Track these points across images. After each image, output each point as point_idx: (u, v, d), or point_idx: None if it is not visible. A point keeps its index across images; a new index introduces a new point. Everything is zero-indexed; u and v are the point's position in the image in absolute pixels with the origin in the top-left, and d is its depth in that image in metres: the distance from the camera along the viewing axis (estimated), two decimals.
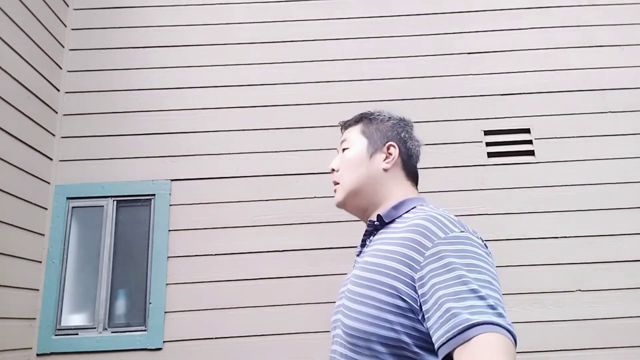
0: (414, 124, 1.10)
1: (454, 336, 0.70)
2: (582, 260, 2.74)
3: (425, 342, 0.79)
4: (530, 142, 2.97)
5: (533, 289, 2.70)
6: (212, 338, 2.64)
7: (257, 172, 2.92)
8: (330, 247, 2.77)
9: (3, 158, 2.48)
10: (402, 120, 1.08)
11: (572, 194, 2.87)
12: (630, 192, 2.86)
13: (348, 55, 3.15)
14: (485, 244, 0.86)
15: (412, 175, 1.05)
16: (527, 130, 2.99)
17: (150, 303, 2.68)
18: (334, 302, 2.77)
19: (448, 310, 0.72)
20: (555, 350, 2.61)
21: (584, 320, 2.64)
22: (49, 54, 2.93)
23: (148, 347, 2.61)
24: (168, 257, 2.76)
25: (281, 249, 2.78)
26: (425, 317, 0.77)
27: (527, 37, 3.17)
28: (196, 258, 2.77)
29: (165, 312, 2.67)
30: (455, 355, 0.70)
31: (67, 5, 3.19)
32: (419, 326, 0.79)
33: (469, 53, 3.15)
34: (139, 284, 2.75)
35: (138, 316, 2.70)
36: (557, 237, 2.79)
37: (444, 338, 0.71)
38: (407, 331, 0.79)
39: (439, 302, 0.74)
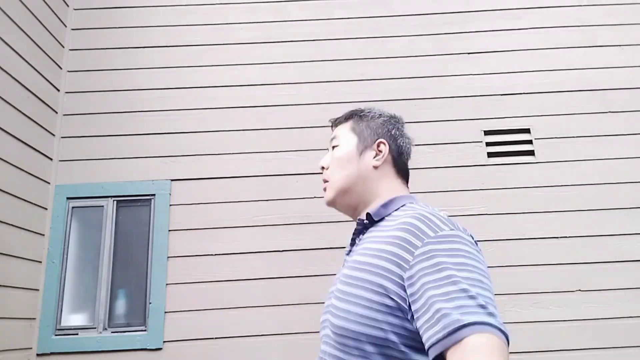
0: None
1: (445, 337, 0.69)
2: (582, 260, 2.74)
3: (414, 341, 0.78)
4: (530, 142, 2.97)
5: (533, 289, 2.70)
6: (212, 338, 2.64)
7: (257, 172, 2.92)
8: (330, 247, 2.77)
9: (3, 158, 2.48)
10: (392, 117, 1.08)
11: (572, 194, 2.87)
12: (630, 192, 2.86)
13: (348, 55, 3.15)
14: (475, 242, 0.85)
15: (403, 173, 1.04)
16: (527, 130, 2.99)
17: (150, 303, 2.68)
18: None
19: (438, 310, 0.71)
20: (555, 350, 2.61)
21: (584, 320, 2.64)
22: (49, 54, 2.93)
23: (148, 347, 2.61)
24: (168, 257, 2.76)
25: (281, 249, 2.78)
26: (415, 317, 0.76)
27: (527, 37, 3.17)
28: (196, 258, 2.77)
29: (165, 312, 2.67)
30: (448, 356, 0.69)
31: (67, 5, 3.19)
32: (407, 325, 0.79)
33: (469, 53, 3.15)
34: (139, 284, 2.75)
35: (138, 316, 2.70)
36: (557, 237, 2.79)
37: (434, 339, 0.71)
38: (395, 330, 0.79)
39: (429, 303, 0.73)
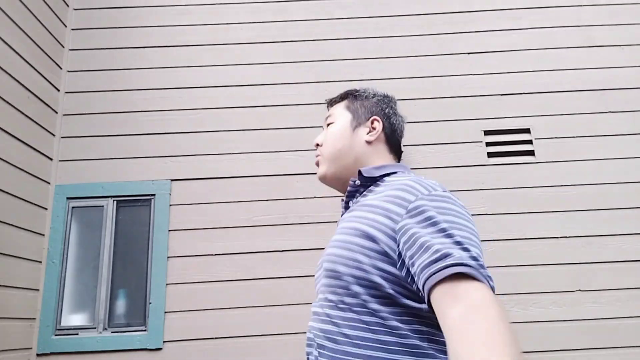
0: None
1: (439, 270, 0.71)
2: (582, 260, 2.74)
3: (401, 286, 0.81)
4: (530, 142, 2.97)
5: (533, 289, 2.70)
6: (212, 338, 2.64)
7: (257, 172, 2.92)
8: None
9: (3, 158, 2.48)
10: (386, 96, 1.12)
11: (572, 194, 2.87)
12: (630, 192, 2.86)
13: (348, 55, 3.15)
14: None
15: (395, 150, 1.09)
16: (527, 130, 2.99)
17: (150, 303, 2.68)
18: None
19: (435, 252, 0.73)
20: (555, 350, 2.61)
21: (584, 320, 2.64)
22: (49, 54, 2.93)
23: (148, 347, 2.61)
24: (168, 257, 2.76)
25: (281, 249, 2.78)
26: (409, 263, 0.78)
27: (527, 37, 3.17)
28: (196, 258, 2.77)
29: (165, 312, 2.67)
30: (440, 292, 0.70)
31: (67, 5, 3.19)
32: (394, 271, 0.82)
33: (469, 53, 3.15)
34: (139, 284, 2.75)
35: (138, 316, 2.70)
36: (557, 237, 2.79)
37: (427, 273, 0.72)
38: (380, 274, 0.82)
39: (423, 248, 0.75)
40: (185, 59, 3.13)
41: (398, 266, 0.81)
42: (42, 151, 2.81)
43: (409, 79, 3.08)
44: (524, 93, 3.06)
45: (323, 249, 2.76)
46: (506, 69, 3.11)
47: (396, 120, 1.09)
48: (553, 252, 2.76)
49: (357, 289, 0.84)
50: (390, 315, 0.81)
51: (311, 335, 0.91)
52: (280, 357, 2.62)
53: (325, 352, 0.85)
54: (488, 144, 2.97)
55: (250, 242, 2.79)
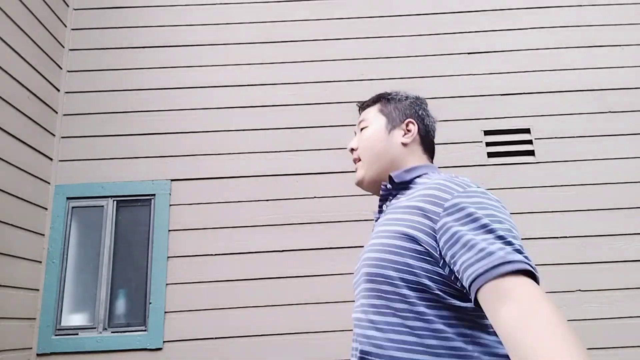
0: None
1: (487, 270, 0.71)
2: (582, 260, 2.74)
3: (447, 286, 0.81)
4: (530, 142, 2.97)
5: None
6: (212, 338, 2.64)
7: (257, 172, 2.92)
8: (330, 247, 2.77)
9: (3, 158, 2.48)
10: (418, 98, 1.13)
11: (572, 194, 2.87)
12: (630, 192, 2.86)
13: (348, 55, 3.15)
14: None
15: (429, 150, 1.09)
16: (527, 130, 2.99)
17: (150, 303, 2.68)
18: (334, 302, 2.76)
19: (481, 250, 0.73)
20: None
21: (584, 320, 2.64)
22: (49, 54, 2.93)
23: (148, 347, 2.61)
24: (168, 257, 2.76)
25: (281, 249, 2.78)
26: (451, 262, 0.78)
27: (527, 37, 3.17)
28: (196, 258, 2.77)
29: (165, 312, 2.67)
30: (488, 291, 0.71)
31: (67, 5, 3.19)
32: (439, 270, 0.82)
33: (469, 53, 3.15)
34: (139, 284, 2.75)
35: (138, 316, 2.70)
36: (557, 237, 2.79)
37: (475, 274, 0.73)
38: (428, 275, 0.82)
39: (468, 246, 0.75)
40: (185, 59, 3.13)
41: (441, 265, 0.81)
42: (42, 151, 2.81)
43: (409, 79, 3.08)
44: (524, 93, 3.06)
45: (323, 249, 2.77)
46: (506, 69, 3.11)
47: (429, 122, 1.10)
48: (553, 252, 2.76)
49: (405, 291, 0.83)
50: (435, 318, 0.81)
51: (356, 345, 0.89)
52: (280, 357, 2.62)
53: (370, 357, 0.84)
54: (488, 144, 2.97)
55: (250, 242, 2.79)
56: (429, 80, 3.08)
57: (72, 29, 3.17)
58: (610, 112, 3.02)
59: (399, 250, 0.85)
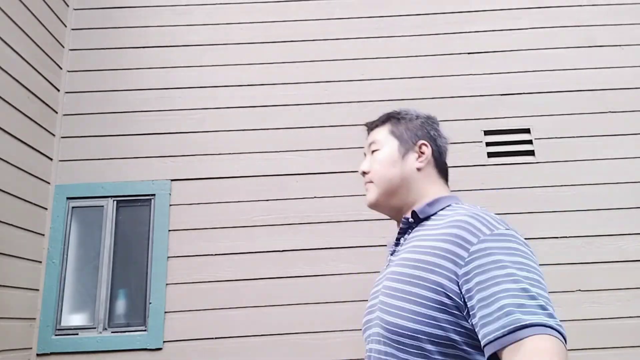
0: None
1: (504, 335, 0.69)
2: (582, 260, 2.74)
3: (472, 339, 0.78)
4: (530, 142, 2.97)
5: None
6: (212, 338, 2.64)
7: (257, 172, 2.92)
8: (330, 247, 2.77)
9: (3, 158, 2.48)
10: (429, 117, 1.07)
11: (572, 194, 2.86)
12: (630, 192, 2.86)
13: (348, 55, 3.15)
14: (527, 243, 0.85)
15: (444, 173, 1.04)
16: (527, 130, 2.99)
17: (150, 303, 2.68)
18: (334, 302, 2.76)
19: (500, 308, 0.70)
20: None
21: (584, 320, 2.64)
22: (49, 54, 2.92)
23: (148, 347, 2.61)
24: (168, 257, 2.76)
25: (281, 249, 2.78)
26: (471, 313, 0.75)
27: (527, 37, 3.17)
28: (196, 258, 2.77)
29: (165, 312, 2.67)
30: (505, 355, 0.69)
31: (67, 5, 3.19)
32: (464, 323, 0.78)
33: (469, 53, 3.14)
34: (139, 284, 2.75)
35: (138, 316, 2.70)
36: (557, 237, 2.79)
37: (492, 336, 0.70)
38: (455, 328, 0.78)
39: (489, 300, 0.72)
40: (185, 59, 3.13)
41: (465, 315, 0.77)
42: (42, 151, 2.81)
43: (409, 79, 3.08)
44: (524, 93, 3.06)
45: (323, 249, 2.77)
46: (506, 69, 3.11)
47: (441, 142, 1.05)
48: (553, 252, 2.76)
49: (428, 346, 0.78)
50: None
51: None
52: (280, 357, 2.62)
53: None
54: (488, 144, 2.97)
55: (250, 242, 2.79)
56: (429, 80, 3.08)
57: (72, 29, 3.17)
58: (610, 112, 3.02)
59: (422, 301, 0.80)
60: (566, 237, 2.79)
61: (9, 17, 2.59)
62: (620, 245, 2.76)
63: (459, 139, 2.96)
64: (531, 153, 2.95)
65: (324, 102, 3.05)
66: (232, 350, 2.62)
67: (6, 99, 2.53)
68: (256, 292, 2.71)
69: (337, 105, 3.03)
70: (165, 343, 2.62)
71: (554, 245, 2.77)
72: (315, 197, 2.87)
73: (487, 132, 2.99)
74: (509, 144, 2.97)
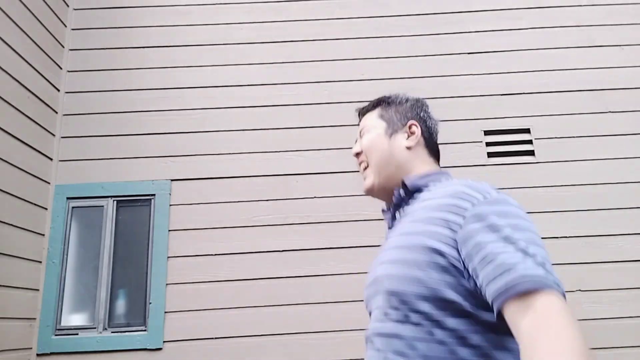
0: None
1: (508, 289, 0.71)
2: (582, 260, 2.74)
3: (474, 297, 0.79)
4: (530, 142, 2.97)
5: None
6: (212, 338, 2.64)
7: (257, 172, 2.92)
8: (330, 247, 2.77)
9: (3, 158, 2.48)
10: (418, 100, 1.11)
11: (572, 194, 2.87)
12: (630, 192, 2.86)
13: (348, 55, 3.15)
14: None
15: (435, 153, 1.06)
16: (527, 130, 2.99)
17: (150, 303, 2.68)
18: (334, 302, 2.75)
19: (500, 265, 0.73)
20: None
21: (584, 320, 2.64)
22: (49, 54, 2.93)
23: (148, 347, 2.61)
24: (168, 257, 2.76)
25: (281, 249, 2.78)
26: (474, 274, 0.77)
27: (527, 37, 3.17)
28: (196, 258, 2.77)
29: (165, 312, 2.67)
30: (511, 311, 0.71)
31: (67, 5, 3.19)
32: (464, 283, 0.80)
33: (469, 53, 3.15)
34: (139, 284, 2.75)
35: (138, 316, 2.70)
36: (557, 237, 2.79)
37: (497, 292, 0.72)
38: (453, 289, 0.80)
39: (490, 258, 0.74)
40: (185, 59, 3.13)
41: (466, 277, 0.80)
42: (42, 151, 2.81)
43: (409, 79, 3.08)
44: (524, 93, 3.06)
45: (323, 249, 2.77)
46: (506, 69, 3.11)
47: (432, 124, 1.08)
48: (553, 252, 2.74)
49: (431, 308, 0.81)
50: (461, 330, 0.79)
51: (380, 354, 0.85)
52: (280, 357, 2.62)
53: None
54: (488, 144, 2.97)
55: (250, 242, 2.79)
56: (429, 80, 3.08)
57: (72, 29, 3.17)
58: (610, 112, 3.02)
59: (423, 266, 0.82)
60: (566, 237, 2.79)
61: (9, 17, 2.59)
62: (620, 245, 2.76)
63: (459, 139, 2.97)
64: (531, 153, 2.95)
65: (324, 102, 3.05)
66: (232, 350, 2.62)
67: (6, 99, 2.53)
68: (256, 292, 2.71)
69: (337, 105, 3.03)
70: (165, 343, 2.62)
71: (554, 245, 2.77)
72: (315, 197, 2.87)
73: (487, 132, 2.99)
74: (509, 144, 2.97)
